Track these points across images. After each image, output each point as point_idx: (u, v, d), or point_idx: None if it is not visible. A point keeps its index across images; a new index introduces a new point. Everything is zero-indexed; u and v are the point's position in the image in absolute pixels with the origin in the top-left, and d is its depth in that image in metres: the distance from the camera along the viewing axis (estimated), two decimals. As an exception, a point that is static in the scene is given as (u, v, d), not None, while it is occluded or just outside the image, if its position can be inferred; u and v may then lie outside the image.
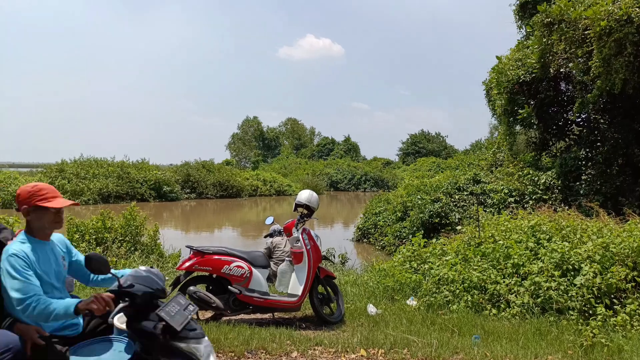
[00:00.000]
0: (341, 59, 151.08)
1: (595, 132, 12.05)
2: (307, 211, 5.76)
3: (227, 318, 5.46)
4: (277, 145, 70.15)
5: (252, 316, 5.62)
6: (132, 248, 9.05)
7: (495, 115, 15.86)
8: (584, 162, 11.58)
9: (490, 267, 6.15)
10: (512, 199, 11.69)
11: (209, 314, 5.48)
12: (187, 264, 5.31)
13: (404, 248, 7.83)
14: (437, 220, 12.35)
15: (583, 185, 11.09)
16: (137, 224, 9.42)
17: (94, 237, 8.82)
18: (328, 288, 5.82)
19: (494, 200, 11.92)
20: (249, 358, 4.21)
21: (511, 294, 5.72)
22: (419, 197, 13.61)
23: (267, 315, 5.73)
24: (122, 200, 28.63)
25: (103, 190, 28.76)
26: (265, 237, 7.52)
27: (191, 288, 5.26)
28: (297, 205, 5.81)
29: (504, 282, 5.86)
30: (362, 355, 4.29)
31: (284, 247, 6.99)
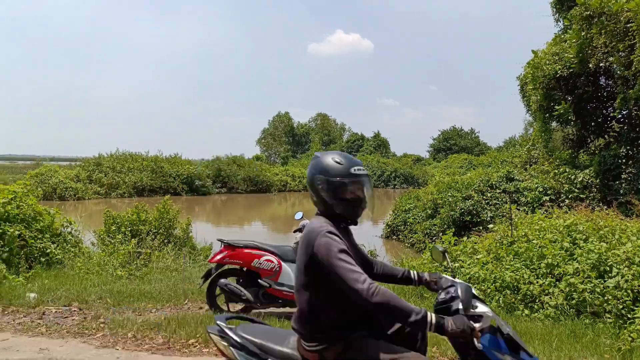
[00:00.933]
0: (370, 54, 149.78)
1: (637, 129, 11.55)
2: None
3: (257, 311, 5.55)
4: (307, 141, 70.25)
5: (281, 310, 5.69)
6: (166, 240, 9.31)
7: (530, 111, 15.40)
8: (624, 160, 11.12)
9: (524, 267, 6.01)
10: (547, 198, 11.36)
11: (239, 306, 5.58)
12: (219, 256, 5.43)
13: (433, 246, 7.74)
14: (468, 218, 12.14)
15: (623, 184, 10.67)
16: (170, 217, 9.67)
17: (129, 229, 9.11)
18: (357, 284, 5.82)
19: (528, 199, 11.61)
20: (278, 351, 4.26)
21: (545, 295, 5.58)
22: (449, 194, 13.40)
23: (295, 309, 5.78)
24: (155, 193, 29.39)
25: (138, 184, 29.60)
26: (295, 232, 7.56)
27: (222, 280, 5.38)
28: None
29: (537, 282, 5.72)
30: (390, 352, 4.28)
31: (313, 242, 7.03)
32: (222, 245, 5.53)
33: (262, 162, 45.04)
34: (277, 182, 37.04)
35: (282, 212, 27.37)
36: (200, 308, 5.78)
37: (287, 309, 5.74)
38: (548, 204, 10.83)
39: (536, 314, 5.43)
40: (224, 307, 5.48)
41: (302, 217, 6.69)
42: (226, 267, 5.61)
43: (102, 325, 4.85)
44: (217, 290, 5.45)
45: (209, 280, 5.50)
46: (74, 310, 5.42)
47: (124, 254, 7.92)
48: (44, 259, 7.38)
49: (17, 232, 7.02)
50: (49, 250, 7.49)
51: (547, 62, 12.25)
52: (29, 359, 3.94)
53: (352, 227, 2.36)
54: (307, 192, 2.35)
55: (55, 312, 5.36)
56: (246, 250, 5.44)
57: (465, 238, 7.57)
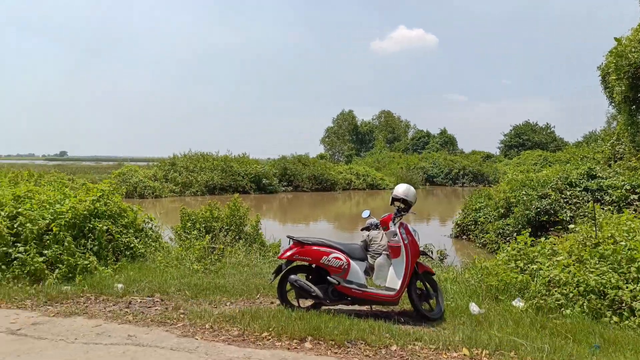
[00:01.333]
0: (435, 49, 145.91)
1: None
2: (404, 205, 5.70)
3: (326, 308, 5.59)
4: (371, 139, 69.83)
5: (350, 307, 5.70)
6: (237, 237, 9.64)
7: (613, 103, 14.29)
8: None
9: (610, 271, 5.59)
10: (635, 196, 10.48)
11: (308, 302, 5.66)
12: (288, 253, 5.54)
13: (508, 246, 7.41)
14: (545, 218, 11.49)
15: None
16: (241, 215, 10.00)
17: (203, 225, 9.54)
18: (427, 284, 5.72)
19: (613, 197, 10.78)
20: (349, 348, 4.28)
21: (636, 301, 5.15)
22: (524, 192, 12.75)
23: (365, 308, 5.78)
24: (225, 192, 30.60)
25: (209, 183, 30.98)
26: (362, 230, 7.56)
27: (292, 277, 5.48)
28: (394, 199, 5.78)
29: (627, 287, 5.30)
30: (464, 355, 4.16)
31: (381, 240, 6.95)
32: (291, 242, 5.63)
33: (326, 160, 45.38)
34: (341, 181, 37.16)
35: (346, 210, 27.42)
36: (272, 303, 5.93)
37: (356, 307, 5.75)
38: (637, 203, 9.99)
39: (626, 321, 5.03)
40: (294, 303, 5.59)
41: (369, 216, 6.66)
42: (295, 263, 5.71)
43: (182, 315, 5.13)
44: (288, 286, 5.57)
45: (279, 276, 5.62)
46: (157, 301, 5.78)
47: (199, 249, 8.31)
48: (128, 253, 7.92)
49: (105, 227, 7.59)
50: (132, 245, 8.02)
51: (633, 49, 11.31)
52: (120, 344, 4.26)
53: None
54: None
55: (140, 302, 5.74)
56: (315, 248, 5.51)
57: (542, 239, 7.16)
